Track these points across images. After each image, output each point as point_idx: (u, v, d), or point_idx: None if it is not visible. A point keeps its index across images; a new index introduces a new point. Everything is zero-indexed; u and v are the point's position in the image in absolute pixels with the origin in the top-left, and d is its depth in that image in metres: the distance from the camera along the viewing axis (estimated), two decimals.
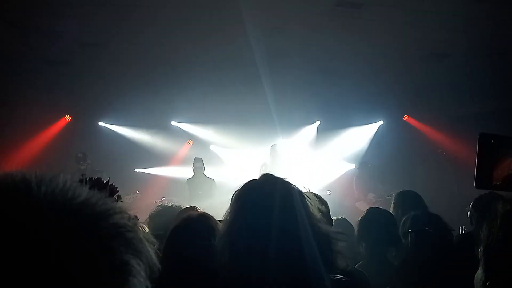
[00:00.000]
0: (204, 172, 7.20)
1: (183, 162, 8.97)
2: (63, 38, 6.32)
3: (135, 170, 9.29)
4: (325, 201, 1.96)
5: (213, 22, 5.91)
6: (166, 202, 3.37)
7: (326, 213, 1.77)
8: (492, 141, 1.16)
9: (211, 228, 1.67)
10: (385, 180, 8.25)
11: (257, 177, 1.49)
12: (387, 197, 6.82)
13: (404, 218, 2.61)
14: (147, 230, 2.19)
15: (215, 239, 1.59)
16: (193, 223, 1.72)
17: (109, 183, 1.23)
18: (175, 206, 2.82)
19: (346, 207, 6.76)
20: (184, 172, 8.51)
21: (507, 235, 1.14)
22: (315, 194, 1.78)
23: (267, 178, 1.47)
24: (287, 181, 1.46)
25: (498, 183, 1.15)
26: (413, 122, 9.56)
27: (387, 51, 6.79)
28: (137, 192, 7.34)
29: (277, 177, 1.47)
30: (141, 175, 9.25)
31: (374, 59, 7.10)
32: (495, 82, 7.63)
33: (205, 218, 1.75)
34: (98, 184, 1.19)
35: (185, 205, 2.84)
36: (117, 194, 1.24)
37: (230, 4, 5.36)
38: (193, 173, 7.27)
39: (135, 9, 5.61)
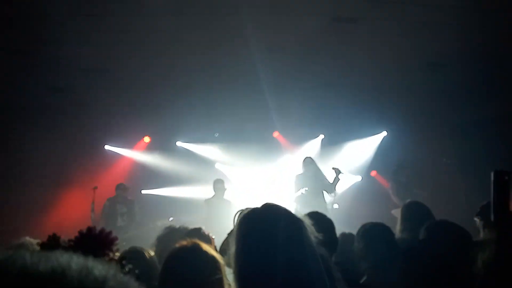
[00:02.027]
0: (224, 194, 7.19)
1: (189, 181, 8.99)
2: (66, 64, 6.45)
3: (142, 191, 9.33)
4: (330, 220, 1.95)
5: (217, 42, 6.01)
6: (174, 223, 3.38)
7: (330, 233, 1.76)
8: (506, 177, 1.18)
9: (200, 259, 1.69)
10: (423, 185, 7.87)
11: (257, 205, 1.46)
12: None
13: (425, 227, 2.58)
14: (152, 254, 2.22)
15: (206, 270, 1.62)
16: (183, 255, 1.74)
17: (110, 235, 1.13)
18: (182, 228, 2.84)
19: (354, 220, 6.70)
20: (192, 191, 8.53)
21: (496, 263, 1.15)
22: (319, 214, 1.76)
23: (268, 208, 1.44)
24: (287, 210, 1.43)
25: None
26: (415, 131, 9.54)
27: (385, 62, 6.85)
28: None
29: (277, 206, 1.44)
30: (148, 196, 9.28)
31: (372, 70, 7.16)
32: (495, 88, 7.66)
33: (196, 249, 1.75)
34: (97, 237, 1.09)
35: (201, 225, 2.86)
36: (116, 242, 1.12)
37: (232, 24, 5.46)
38: (214, 193, 7.25)
39: (135, 34, 5.72)
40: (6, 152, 8.25)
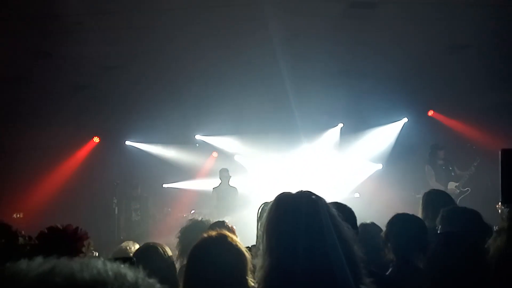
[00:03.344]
0: (229, 181, 7.84)
1: (209, 174, 9.08)
2: (86, 62, 6.57)
3: (163, 185, 9.46)
4: (351, 209, 1.96)
5: (235, 31, 6.00)
6: (196, 215, 3.44)
7: (352, 223, 1.77)
8: None
9: (227, 250, 1.72)
10: (462, 165, 7.58)
11: (291, 190, 1.52)
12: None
13: (442, 212, 2.56)
14: (168, 250, 2.26)
15: (231, 260, 1.65)
16: (211, 245, 1.77)
17: (77, 231, 1.11)
18: (204, 220, 2.89)
19: (375, 209, 6.66)
20: (211, 184, 8.64)
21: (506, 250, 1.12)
22: (339, 204, 1.78)
23: (301, 193, 1.49)
24: (318, 196, 1.48)
25: None
26: (438, 117, 9.36)
27: (405, 47, 6.72)
28: (169, 209, 7.85)
29: (310, 191, 1.49)
30: (170, 190, 9.42)
31: (392, 56, 7.03)
32: None
33: (223, 239, 1.78)
34: (63, 235, 1.07)
35: (213, 212, 2.96)
36: (87, 240, 1.12)
37: (249, 14, 5.45)
38: (220, 181, 7.86)
39: (154, 29, 5.77)
40: (28, 146, 8.46)
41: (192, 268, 1.73)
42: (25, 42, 5.88)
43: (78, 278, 0.47)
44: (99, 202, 8.46)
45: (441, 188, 6.68)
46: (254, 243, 2.13)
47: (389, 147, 9.45)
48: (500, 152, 1.19)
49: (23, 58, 6.32)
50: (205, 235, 1.82)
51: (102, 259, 0.53)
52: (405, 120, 9.48)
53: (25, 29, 5.51)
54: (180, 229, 2.84)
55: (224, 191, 7.68)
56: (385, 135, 9.56)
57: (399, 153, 9.28)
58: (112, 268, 0.50)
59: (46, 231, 1.03)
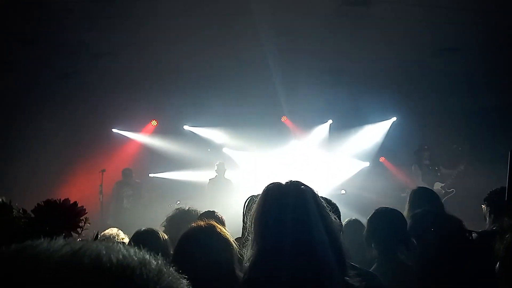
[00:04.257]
0: (224, 174, 8.13)
1: (197, 165, 9.03)
2: (76, 50, 6.46)
3: (150, 175, 9.40)
4: (335, 205, 1.96)
5: (224, 26, 5.96)
6: (182, 205, 3.42)
7: (337, 216, 1.78)
8: None
9: (216, 240, 1.73)
10: (447, 166, 7.64)
11: (280, 181, 1.54)
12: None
13: (412, 214, 2.59)
14: (166, 237, 2.24)
15: (219, 249, 1.67)
16: (199, 234, 1.78)
17: (75, 206, 1.08)
18: (191, 210, 2.87)
19: (361, 207, 6.71)
20: (198, 175, 8.59)
21: None
22: (325, 198, 1.80)
23: (290, 183, 1.52)
24: (306, 186, 1.51)
25: None
26: (426, 117, 9.45)
27: (395, 47, 6.76)
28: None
29: (300, 181, 1.52)
30: (156, 180, 9.36)
31: (383, 55, 7.07)
32: (507, 74, 7.53)
33: (211, 229, 1.79)
34: (60, 209, 1.04)
35: (206, 202, 2.96)
36: (84, 216, 1.09)
37: (241, 8, 5.41)
38: (216, 174, 8.11)
39: (145, 19, 5.69)
40: (16, 135, 8.33)
41: (180, 256, 1.71)
42: (11, 28, 5.73)
43: (105, 261, 0.47)
44: (85, 190, 8.33)
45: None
46: (240, 235, 2.13)
47: (377, 145, 9.52)
48: (509, 152, 1.21)
49: (8, 44, 6.16)
50: (194, 224, 1.81)
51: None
52: (394, 119, 9.56)
53: (12, 15, 5.37)
54: (166, 218, 2.82)
55: (219, 183, 7.97)
56: (374, 133, 9.62)
57: (387, 151, 9.36)
58: (136, 253, 0.51)
59: (42, 204, 1.00)
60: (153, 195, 8.40)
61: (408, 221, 2.55)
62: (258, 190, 1.64)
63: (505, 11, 5.58)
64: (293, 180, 1.53)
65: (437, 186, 7.33)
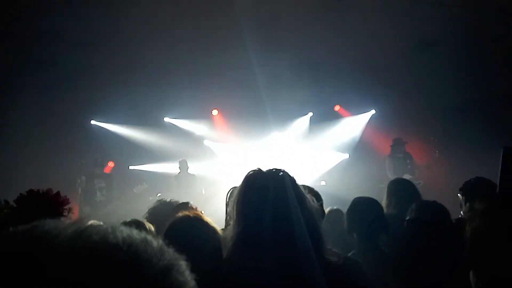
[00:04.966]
0: (188, 170, 8.41)
1: (177, 157, 8.99)
2: (54, 38, 6.30)
3: (130, 167, 9.30)
4: (318, 193, 2.01)
5: (205, 16, 5.92)
6: (163, 197, 3.42)
7: (319, 206, 1.83)
8: None
9: (205, 228, 1.77)
10: (420, 159, 7.91)
11: (257, 168, 1.60)
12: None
13: (412, 206, 2.66)
14: (153, 228, 2.24)
15: (208, 238, 1.71)
16: (188, 224, 1.80)
17: (58, 195, 1.10)
18: (173, 201, 2.88)
19: (341, 198, 6.82)
20: (176, 167, 8.58)
21: (487, 234, 1.19)
22: (307, 187, 1.85)
23: (271, 169, 1.59)
24: (286, 172, 1.57)
25: None
26: (404, 111, 9.63)
27: (377, 40, 6.84)
28: (144, 183, 7.98)
29: (280, 168, 1.58)
30: (136, 172, 9.27)
31: (364, 48, 7.15)
32: (485, 69, 7.72)
33: (199, 219, 1.82)
34: (44, 199, 1.05)
35: (174, 196, 3.00)
36: (68, 206, 1.12)
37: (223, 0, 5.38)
38: (179, 171, 8.37)
39: (125, 7, 5.59)
40: None
41: (169, 246, 1.72)
42: None
43: (112, 237, 0.50)
44: (64, 183, 8.16)
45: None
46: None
47: (356, 137, 9.66)
48: (503, 149, 1.27)
49: None
50: (181, 214, 1.83)
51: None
52: (373, 111, 9.70)
53: None
54: (148, 209, 2.82)
55: (184, 179, 8.22)
56: (353, 125, 9.76)
57: (365, 143, 9.51)
58: (138, 233, 0.54)
59: (25, 194, 1.00)
60: (139, 188, 8.27)
61: (390, 211, 2.61)
62: (238, 182, 1.68)
63: (485, 6, 5.71)
64: (273, 167, 1.60)
65: (406, 177, 7.51)
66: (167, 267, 0.52)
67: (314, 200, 1.59)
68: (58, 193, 1.05)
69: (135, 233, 0.53)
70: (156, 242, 0.53)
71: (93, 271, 0.46)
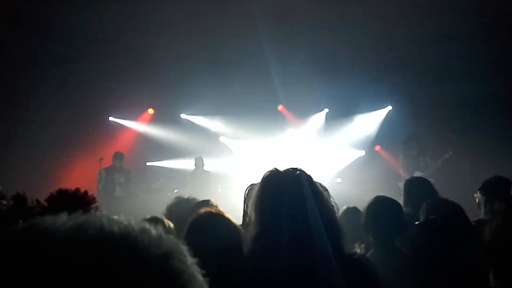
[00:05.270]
0: (204, 167, 8.52)
1: (193, 154, 9.06)
2: (71, 34, 6.41)
3: (147, 163, 9.42)
4: (327, 190, 2.03)
5: (221, 12, 5.93)
6: (181, 194, 3.46)
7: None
8: None
9: (227, 225, 1.80)
10: (435, 156, 7.77)
11: (277, 167, 1.63)
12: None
13: (424, 205, 2.64)
14: (172, 225, 2.28)
15: (231, 234, 1.73)
16: (211, 220, 1.83)
17: (86, 195, 1.12)
18: (191, 199, 2.91)
19: (357, 195, 6.78)
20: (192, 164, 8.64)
21: (507, 236, 1.18)
22: (319, 183, 1.88)
23: (288, 169, 1.61)
24: (304, 171, 1.60)
25: None
26: (420, 106, 9.50)
27: (393, 35, 6.76)
28: (161, 178, 8.17)
29: (296, 168, 1.61)
30: (153, 168, 9.39)
31: (380, 44, 7.08)
32: (501, 63, 7.56)
33: (220, 215, 1.86)
34: (73, 197, 1.09)
35: (189, 193, 3.05)
36: (95, 204, 1.13)
37: None
38: (195, 167, 8.48)
39: (141, 4, 5.65)
40: (11, 122, 8.27)
41: (193, 241, 1.76)
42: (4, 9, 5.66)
43: (108, 231, 0.51)
44: (83, 179, 8.30)
45: (406, 177, 6.90)
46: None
47: (373, 134, 9.58)
48: None
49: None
50: (203, 211, 1.87)
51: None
52: (389, 108, 9.60)
53: None
54: (166, 206, 2.86)
55: (199, 175, 8.33)
56: (370, 122, 9.67)
57: (382, 140, 9.42)
58: (137, 223, 0.54)
59: (55, 193, 1.04)
60: (157, 184, 8.38)
61: (408, 210, 2.60)
62: (255, 179, 1.70)
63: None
64: (290, 167, 1.62)
65: (416, 175, 7.41)
66: (166, 256, 0.52)
67: (332, 197, 1.62)
68: (85, 192, 1.09)
69: (133, 223, 0.54)
70: (155, 231, 0.54)
71: (90, 264, 0.47)
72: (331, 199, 1.88)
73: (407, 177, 7.03)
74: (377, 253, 2.30)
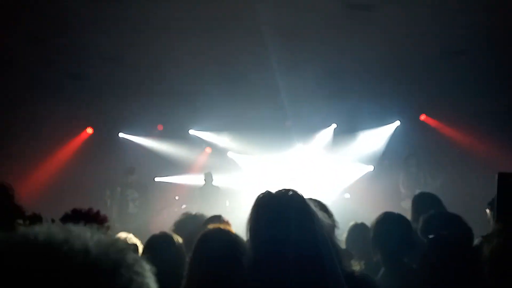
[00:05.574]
0: (212, 182, 8.54)
1: (202, 169, 9.11)
2: (83, 52, 6.55)
3: (155, 179, 9.46)
4: (325, 206, 2.02)
5: (229, 30, 6.02)
6: (188, 210, 3.48)
7: (331, 221, 1.86)
8: (510, 179, 1.24)
9: (234, 240, 1.81)
10: (435, 175, 7.78)
11: (271, 189, 1.61)
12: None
13: (422, 218, 2.63)
14: (180, 240, 2.30)
15: (236, 252, 1.73)
16: (218, 235, 1.84)
17: (99, 214, 1.18)
18: (198, 215, 2.93)
19: (366, 211, 6.74)
20: (202, 179, 8.67)
21: (504, 252, 1.19)
22: (316, 200, 1.87)
23: (281, 191, 1.60)
24: (298, 192, 1.58)
25: None
26: (430, 121, 9.48)
27: (401, 50, 6.78)
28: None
29: (289, 189, 1.59)
30: (162, 184, 9.43)
31: (388, 59, 7.10)
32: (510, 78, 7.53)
33: (228, 231, 1.88)
34: (86, 217, 1.14)
35: (198, 208, 3.06)
36: (106, 224, 1.19)
37: (244, 13, 5.47)
38: (204, 183, 8.51)
39: (152, 23, 5.77)
40: (20, 136, 8.39)
41: (199, 258, 1.78)
42: (19, 26, 5.81)
43: (32, 240, 0.53)
44: (91, 196, 8.33)
45: (408, 194, 7.04)
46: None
47: (381, 149, 9.54)
48: (497, 175, 1.30)
49: (16, 42, 6.25)
50: (210, 227, 1.90)
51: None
52: (397, 123, 9.58)
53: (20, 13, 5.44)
54: (174, 222, 2.88)
55: (208, 191, 8.35)
56: (378, 137, 9.65)
57: (391, 155, 9.38)
58: (65, 230, 0.56)
59: (70, 213, 1.09)
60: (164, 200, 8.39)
61: (415, 225, 2.59)
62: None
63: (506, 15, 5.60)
64: (283, 188, 1.60)
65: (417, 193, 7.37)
66: (115, 265, 0.54)
67: (326, 215, 1.61)
68: (98, 212, 1.13)
69: (58, 231, 0.55)
70: (82, 240, 0.55)
71: (32, 274, 0.49)
72: (331, 217, 1.89)
73: (408, 194, 7.02)
74: (387, 273, 2.27)
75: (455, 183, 7.88)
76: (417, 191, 7.15)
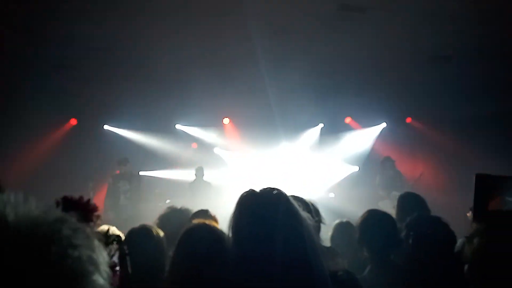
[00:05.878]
0: (203, 178, 8.44)
1: (187, 165, 9.05)
2: (70, 43, 6.43)
3: (140, 173, 9.37)
4: (309, 204, 2.01)
5: (216, 25, 5.97)
6: (173, 204, 3.44)
7: (315, 221, 1.85)
8: (487, 180, 1.29)
9: (219, 236, 1.79)
10: (411, 173, 8.09)
11: (254, 187, 1.59)
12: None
13: (408, 219, 2.64)
14: (162, 234, 2.27)
15: (220, 248, 1.71)
16: (203, 230, 1.83)
17: (89, 203, 1.17)
18: (183, 209, 2.90)
19: (350, 210, 6.78)
20: (188, 174, 8.63)
21: (485, 253, 1.21)
22: (301, 199, 1.86)
23: (265, 189, 1.58)
24: (282, 191, 1.57)
25: (492, 216, 1.27)
26: (416, 124, 9.60)
27: (390, 54, 6.84)
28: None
29: (273, 187, 1.57)
30: (146, 178, 9.33)
31: (376, 61, 7.16)
32: (499, 83, 7.67)
33: (212, 227, 1.86)
34: (76, 205, 1.13)
35: (187, 204, 3.03)
36: (96, 212, 1.18)
37: (233, 7, 5.43)
38: (195, 178, 8.40)
39: (139, 14, 5.69)
40: (1, 125, 8.22)
41: (182, 253, 1.76)
42: (3, 15, 5.68)
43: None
44: (73, 188, 8.16)
45: (384, 195, 7.55)
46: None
47: (367, 150, 9.63)
48: (475, 176, 1.34)
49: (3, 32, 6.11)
50: (195, 222, 1.87)
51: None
52: (384, 125, 9.67)
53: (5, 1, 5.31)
54: (158, 216, 2.85)
55: (199, 186, 8.28)
56: (364, 138, 9.73)
57: (376, 157, 9.47)
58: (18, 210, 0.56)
59: (60, 199, 1.06)
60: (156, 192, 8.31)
61: (400, 225, 2.61)
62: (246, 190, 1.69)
63: (499, 20, 5.69)
64: (267, 187, 1.59)
65: (394, 193, 7.53)
66: (43, 239, 0.54)
67: (310, 216, 1.59)
68: (88, 200, 1.11)
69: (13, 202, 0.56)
70: (35, 211, 0.56)
71: None
72: (318, 215, 1.87)
73: (385, 195, 7.56)
74: (373, 269, 2.28)
75: (439, 186, 8.02)
76: (394, 192, 7.42)
